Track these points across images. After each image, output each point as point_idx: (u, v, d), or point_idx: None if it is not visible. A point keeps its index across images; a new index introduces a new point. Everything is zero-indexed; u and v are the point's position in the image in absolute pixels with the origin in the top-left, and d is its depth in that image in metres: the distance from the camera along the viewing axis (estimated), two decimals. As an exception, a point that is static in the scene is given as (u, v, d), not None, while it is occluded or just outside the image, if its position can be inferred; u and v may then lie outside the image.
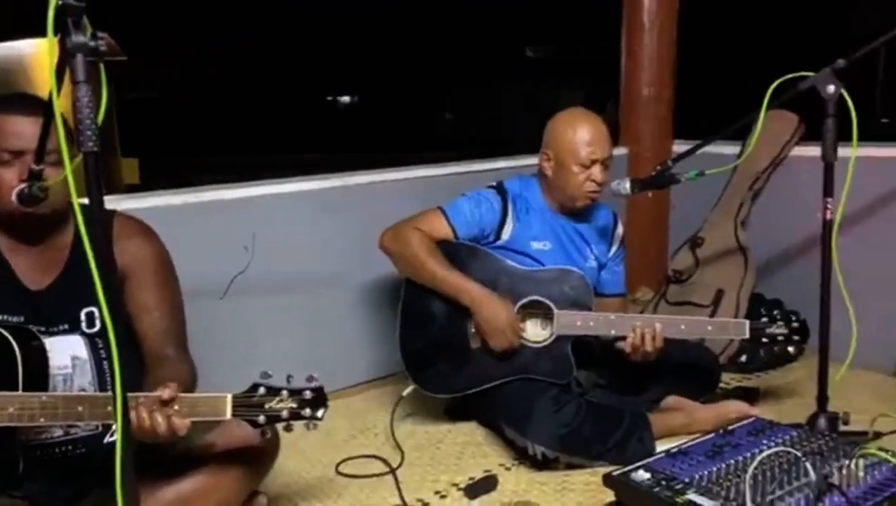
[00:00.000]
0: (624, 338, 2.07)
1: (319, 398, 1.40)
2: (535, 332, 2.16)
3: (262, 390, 1.38)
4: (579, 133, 2.13)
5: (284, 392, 1.38)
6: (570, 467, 2.00)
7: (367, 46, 11.15)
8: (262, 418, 1.37)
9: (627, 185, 2.23)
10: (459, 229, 2.17)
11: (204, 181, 2.52)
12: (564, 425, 1.97)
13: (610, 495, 1.75)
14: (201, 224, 2.29)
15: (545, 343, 2.12)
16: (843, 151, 1.96)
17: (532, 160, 2.67)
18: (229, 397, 1.37)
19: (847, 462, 1.60)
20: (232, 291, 2.33)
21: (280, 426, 1.39)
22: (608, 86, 3.64)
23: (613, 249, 2.33)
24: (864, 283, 2.43)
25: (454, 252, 2.17)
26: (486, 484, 1.94)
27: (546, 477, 1.98)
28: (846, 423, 2.02)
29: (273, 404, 1.37)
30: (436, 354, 2.18)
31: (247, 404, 1.37)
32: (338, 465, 2.08)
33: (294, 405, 1.38)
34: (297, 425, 1.40)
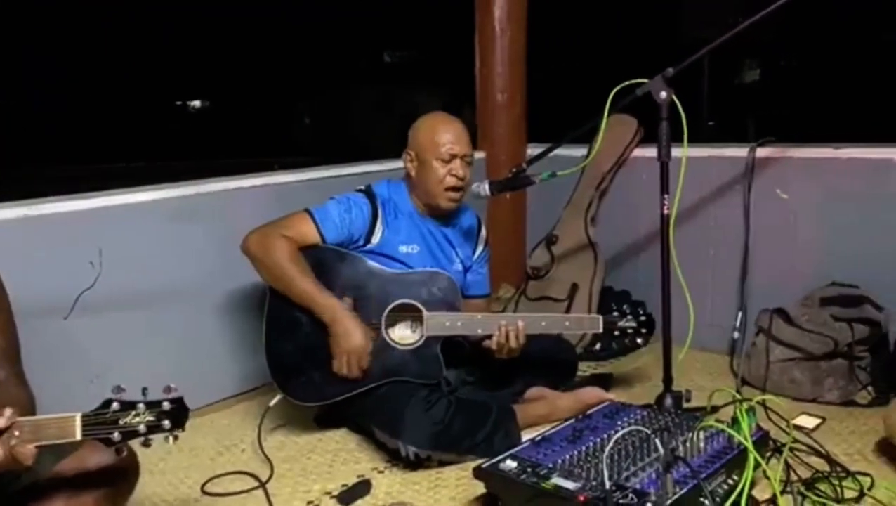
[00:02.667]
0: (490, 337, 2.14)
1: (179, 409, 1.33)
2: (405, 334, 2.18)
3: (115, 406, 1.29)
4: (439, 130, 2.19)
5: (140, 406, 1.31)
6: (442, 464, 2.04)
7: (218, 48, 10.72)
8: (116, 435, 1.29)
9: (486, 187, 2.32)
10: (328, 234, 2.15)
11: (42, 193, 2.32)
12: (435, 423, 2.00)
13: (481, 488, 1.81)
14: (41, 240, 2.13)
15: (415, 345, 2.15)
16: (676, 152, 2.15)
17: (394, 164, 2.70)
18: (78, 416, 1.28)
19: (690, 435, 1.75)
20: (79, 310, 2.17)
21: (138, 442, 1.32)
22: (464, 91, 3.74)
23: (478, 251, 2.40)
24: (698, 272, 2.69)
25: (321, 256, 2.15)
26: (359, 489, 1.94)
27: (419, 476, 2.01)
28: (688, 400, 2.22)
29: (128, 419, 1.29)
30: (304, 361, 2.14)
31: (98, 421, 1.28)
32: (203, 484, 1.99)
33: (152, 418, 1.31)
34: (158, 442, 1.33)
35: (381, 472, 2.05)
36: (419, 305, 2.15)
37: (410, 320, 2.18)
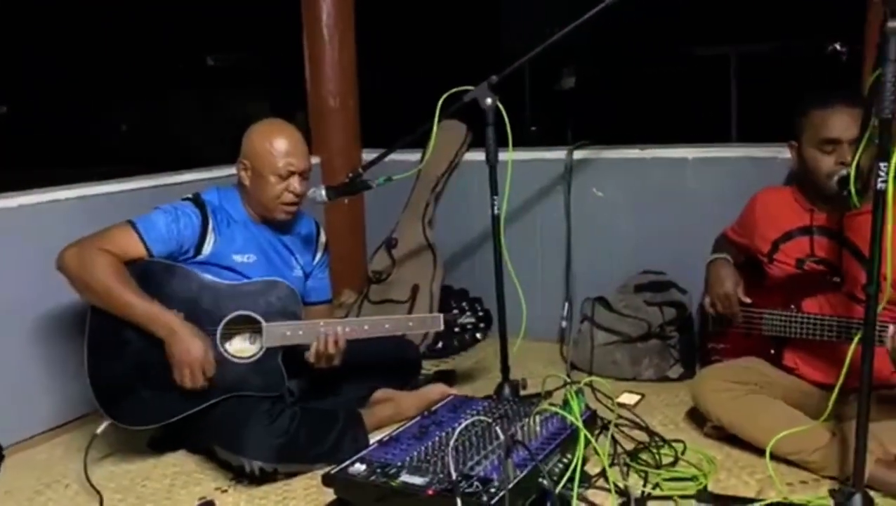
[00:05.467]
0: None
1: None
2: (244, 347, 2.11)
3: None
4: (277, 144, 2.12)
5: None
6: (290, 475, 2.00)
7: (18, 48, 9.70)
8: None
9: (323, 192, 2.30)
10: (154, 246, 2.03)
11: None
12: (280, 435, 1.96)
13: (331, 495, 1.80)
14: None
15: (255, 357, 2.09)
16: (503, 155, 2.27)
17: (223, 171, 2.61)
18: None
19: (527, 420, 1.87)
20: None
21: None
22: (295, 95, 3.69)
23: (318, 257, 2.37)
24: (528, 267, 2.85)
25: (148, 271, 2.02)
26: (202, 511, 1.86)
27: (266, 491, 1.96)
28: (524, 387, 2.35)
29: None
30: (133, 382, 2.01)
31: None
32: (22, 528, 1.82)
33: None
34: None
35: (224, 491, 1.98)
36: (257, 317, 2.09)
37: (249, 332, 2.12)
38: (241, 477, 2.00)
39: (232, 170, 2.22)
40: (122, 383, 2.01)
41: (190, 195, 2.17)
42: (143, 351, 2.01)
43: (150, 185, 2.66)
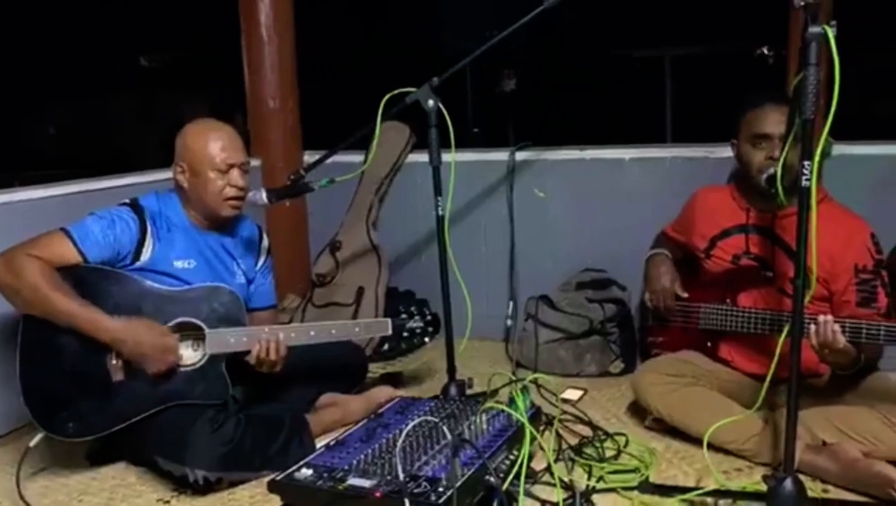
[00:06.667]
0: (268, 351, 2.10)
1: None
2: (187, 354, 2.06)
3: None
4: (212, 140, 2.09)
5: None
6: (234, 484, 1.97)
7: (-69, 47, 9.21)
8: None
9: (264, 195, 2.27)
10: (90, 253, 1.96)
11: None
12: (224, 443, 1.94)
13: (277, 502, 1.77)
14: None
15: (198, 365, 2.05)
16: (447, 157, 2.28)
17: (160, 175, 2.55)
18: None
19: (474, 418, 1.88)
20: None
21: None
22: (233, 97, 3.63)
23: (261, 261, 2.34)
24: (473, 267, 2.87)
25: (84, 278, 1.96)
26: (144, 524, 1.81)
27: (210, 501, 1.93)
28: (471, 386, 2.37)
29: None
30: (70, 393, 1.94)
31: None
32: (-51, 551, 1.73)
33: None
34: None
35: (167, 502, 1.93)
36: (200, 323, 2.05)
37: (191, 339, 2.08)
38: (185, 487, 1.96)
39: (169, 173, 2.16)
40: (58, 394, 1.94)
41: (127, 200, 2.11)
42: (80, 359, 1.95)
43: (82, 190, 2.58)
